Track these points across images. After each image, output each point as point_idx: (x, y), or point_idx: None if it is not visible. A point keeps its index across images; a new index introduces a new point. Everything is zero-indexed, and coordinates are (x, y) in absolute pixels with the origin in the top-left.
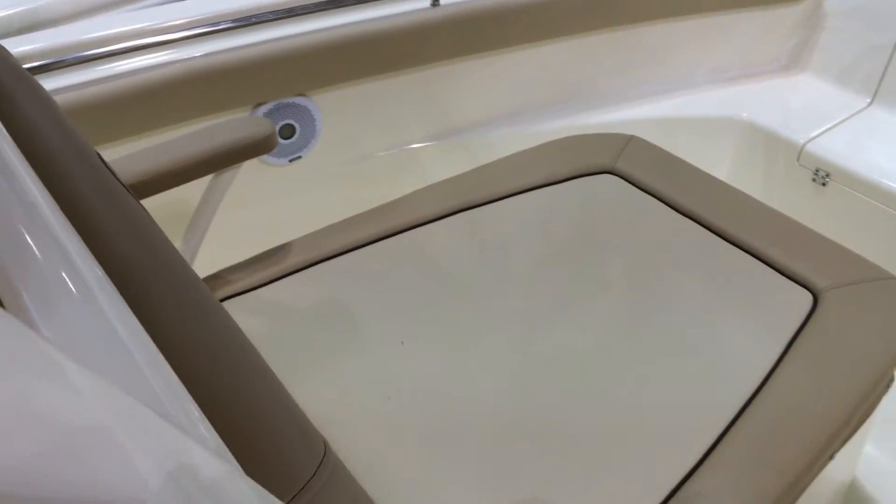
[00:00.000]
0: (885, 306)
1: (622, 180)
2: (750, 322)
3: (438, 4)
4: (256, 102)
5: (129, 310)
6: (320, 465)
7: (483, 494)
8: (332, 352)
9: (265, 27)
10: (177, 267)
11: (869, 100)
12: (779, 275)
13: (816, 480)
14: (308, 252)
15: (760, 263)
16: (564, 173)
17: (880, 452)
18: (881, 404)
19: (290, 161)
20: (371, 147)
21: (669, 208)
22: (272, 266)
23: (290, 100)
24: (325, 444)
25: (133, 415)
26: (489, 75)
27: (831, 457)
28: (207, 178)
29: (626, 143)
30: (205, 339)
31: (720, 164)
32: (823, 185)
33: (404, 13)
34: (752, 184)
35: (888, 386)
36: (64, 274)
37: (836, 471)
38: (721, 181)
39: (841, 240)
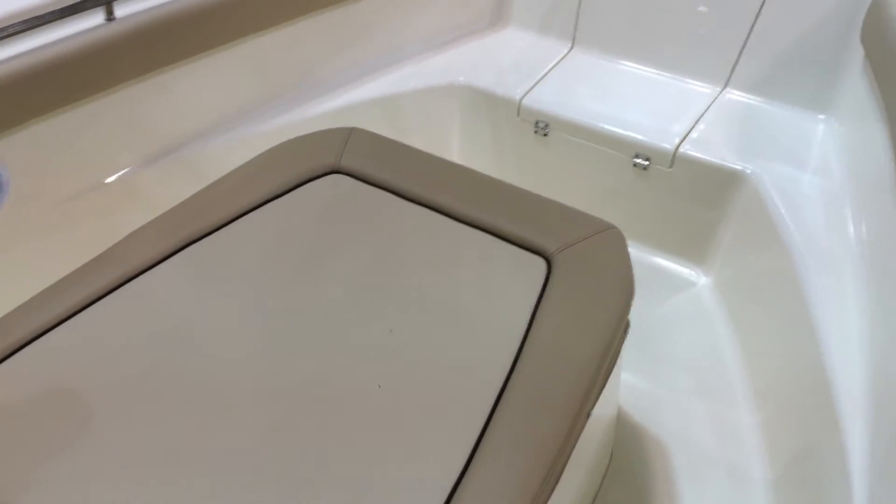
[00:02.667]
0: (609, 256)
1: (349, 177)
2: (493, 299)
3: (114, 18)
4: None
5: None
6: None
7: None
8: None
9: None
10: None
11: (570, 45)
12: (513, 246)
13: (579, 445)
14: (9, 334)
15: (494, 238)
16: (289, 182)
17: (634, 378)
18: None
19: None
20: (77, 186)
21: (400, 198)
22: None
23: None
24: None
25: None
26: (196, 82)
27: (588, 415)
28: None
29: (348, 136)
30: None
31: (450, 131)
32: (545, 135)
33: (78, 34)
34: (482, 145)
35: (625, 332)
36: None
37: (596, 424)
38: (445, 160)
39: (569, 184)
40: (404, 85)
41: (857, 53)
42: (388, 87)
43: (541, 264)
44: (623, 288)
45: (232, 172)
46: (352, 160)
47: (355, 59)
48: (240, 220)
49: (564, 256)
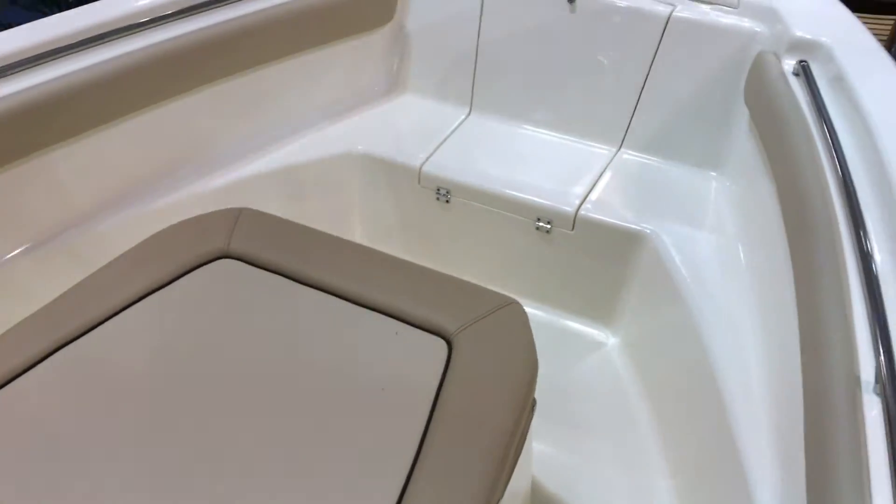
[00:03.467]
0: (511, 333)
1: (239, 262)
2: (394, 385)
3: None
4: None
5: None
6: None
7: None
8: None
9: None
10: None
11: (467, 110)
12: (412, 328)
13: None
14: None
15: (393, 320)
16: (175, 270)
17: (549, 448)
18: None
19: None
20: None
21: (294, 282)
22: None
23: None
24: None
25: None
26: (80, 161)
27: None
28: None
29: (237, 217)
30: None
31: (351, 200)
32: (447, 201)
33: None
34: (385, 213)
35: (533, 409)
36: None
37: (510, 500)
38: (340, 239)
39: (474, 250)
40: (302, 155)
41: (743, 114)
42: (286, 158)
43: (441, 346)
44: (526, 366)
45: (115, 261)
46: (242, 243)
47: (251, 131)
48: (121, 315)
49: (465, 336)
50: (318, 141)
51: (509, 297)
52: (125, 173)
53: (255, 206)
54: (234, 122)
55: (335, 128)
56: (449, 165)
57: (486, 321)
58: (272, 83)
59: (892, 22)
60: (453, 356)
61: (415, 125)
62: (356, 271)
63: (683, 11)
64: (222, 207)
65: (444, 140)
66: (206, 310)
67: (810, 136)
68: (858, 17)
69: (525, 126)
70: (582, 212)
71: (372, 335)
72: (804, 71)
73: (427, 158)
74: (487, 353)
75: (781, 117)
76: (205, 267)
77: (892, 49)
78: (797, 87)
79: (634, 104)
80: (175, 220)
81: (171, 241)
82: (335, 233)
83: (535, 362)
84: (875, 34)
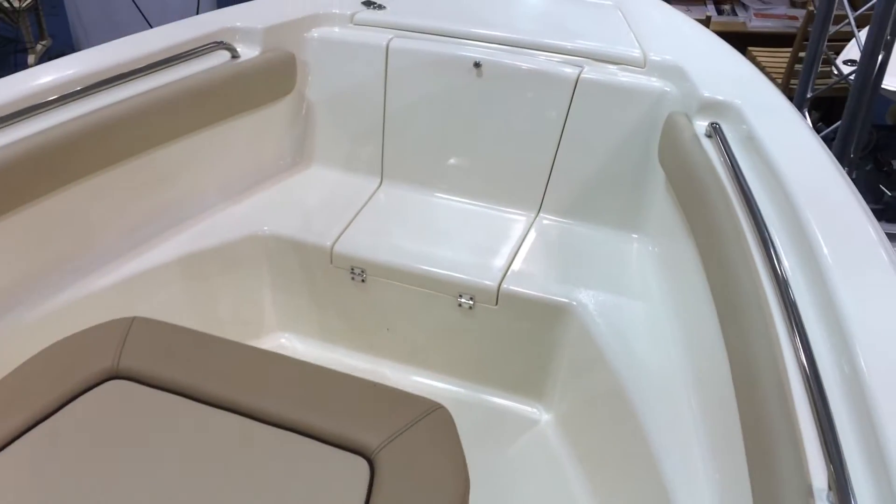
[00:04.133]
0: (438, 444)
1: (131, 382)
2: None
3: None
4: None
5: None
6: None
7: None
8: None
9: None
10: None
11: (378, 180)
12: (330, 447)
13: None
14: None
15: (307, 439)
16: (58, 398)
17: None
18: None
19: None
20: None
21: (193, 401)
22: None
23: None
24: None
25: None
26: None
27: None
28: None
29: (127, 330)
30: None
31: (261, 286)
32: (363, 281)
33: None
34: (298, 297)
35: None
36: None
37: None
38: (244, 346)
39: (394, 331)
40: (203, 241)
41: (659, 175)
42: (185, 245)
43: (363, 467)
44: (457, 484)
45: None
46: (133, 359)
47: (145, 219)
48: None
49: (388, 453)
50: (221, 224)
51: (434, 403)
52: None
53: (152, 303)
54: (124, 211)
55: (238, 207)
56: (362, 243)
57: (410, 433)
58: (166, 165)
59: (787, 55)
60: (376, 479)
61: (324, 199)
62: (263, 384)
63: (591, 73)
64: (113, 310)
65: (356, 214)
66: (96, 442)
67: (728, 199)
68: (756, 51)
69: (440, 194)
70: (505, 285)
71: (284, 458)
72: (716, 133)
73: (339, 236)
74: (413, 472)
75: (698, 179)
76: (92, 391)
77: (789, 83)
78: (710, 149)
79: (549, 168)
80: (57, 334)
81: (51, 364)
82: (246, 322)
83: (467, 479)
84: (771, 69)
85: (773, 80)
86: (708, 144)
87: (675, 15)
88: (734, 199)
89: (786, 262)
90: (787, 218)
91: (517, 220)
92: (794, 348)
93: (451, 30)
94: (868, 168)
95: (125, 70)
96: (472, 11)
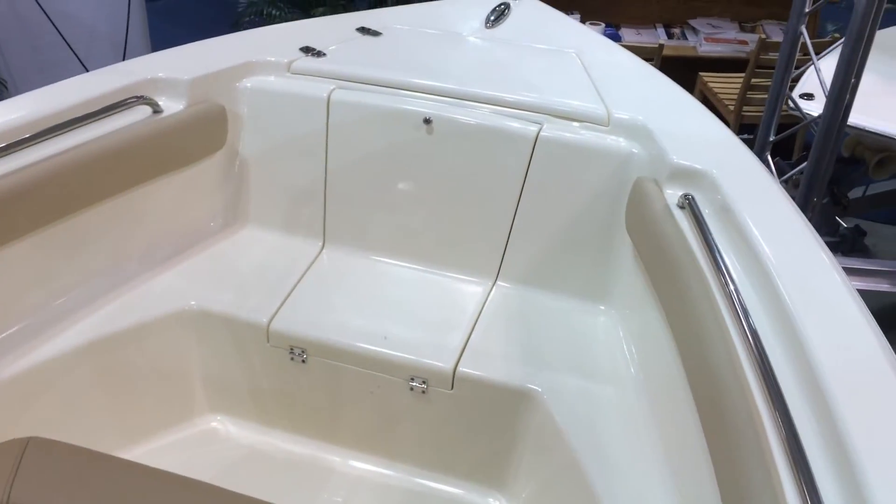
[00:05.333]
0: None
1: None
2: None
3: None
4: None
5: None
6: None
7: None
8: None
9: None
10: None
11: (320, 243)
12: None
13: None
14: None
15: None
16: None
17: None
18: None
19: None
20: None
21: None
22: None
23: None
24: None
25: None
26: None
27: None
28: None
29: (21, 454)
30: None
31: (189, 372)
32: (304, 362)
33: None
34: (232, 383)
35: None
36: None
37: None
38: (153, 470)
39: (340, 418)
40: (121, 320)
41: (626, 243)
42: (101, 326)
43: None
44: None
45: None
46: (27, 491)
47: (52, 295)
48: None
49: None
50: (142, 298)
51: None
52: None
53: (58, 399)
54: (27, 290)
55: (163, 278)
56: (302, 318)
57: None
58: (81, 233)
59: (739, 80)
60: None
61: (259, 266)
62: None
63: (551, 130)
64: (8, 410)
65: (296, 284)
66: None
67: (704, 280)
68: (707, 77)
69: (388, 259)
70: (461, 368)
71: None
72: (689, 205)
73: (276, 312)
74: None
75: (672, 256)
76: None
77: (741, 110)
78: (684, 223)
79: (508, 231)
80: None
81: None
82: (171, 406)
83: None
84: (723, 96)
85: (725, 106)
86: (681, 216)
87: (638, 64)
88: (710, 278)
89: (765, 345)
90: (767, 299)
91: (473, 289)
92: (777, 428)
93: (399, 81)
94: (825, 201)
95: (38, 129)
96: (421, 60)
